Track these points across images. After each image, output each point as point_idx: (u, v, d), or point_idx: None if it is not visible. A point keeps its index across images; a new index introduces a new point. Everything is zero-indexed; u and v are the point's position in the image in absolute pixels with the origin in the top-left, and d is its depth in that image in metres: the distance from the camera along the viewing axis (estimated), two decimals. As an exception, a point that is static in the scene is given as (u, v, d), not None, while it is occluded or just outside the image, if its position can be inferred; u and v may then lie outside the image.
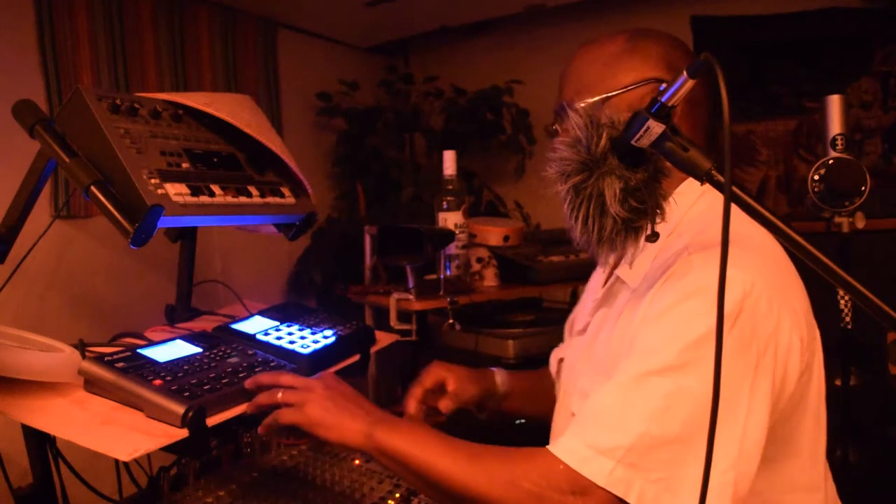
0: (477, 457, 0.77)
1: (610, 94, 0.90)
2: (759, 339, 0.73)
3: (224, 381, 0.96)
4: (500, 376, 1.16)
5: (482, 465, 0.75)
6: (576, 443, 0.72)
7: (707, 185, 0.92)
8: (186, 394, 0.89)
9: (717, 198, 0.92)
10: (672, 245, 0.84)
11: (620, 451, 0.69)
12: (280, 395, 0.89)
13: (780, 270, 0.81)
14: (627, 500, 0.69)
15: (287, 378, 0.92)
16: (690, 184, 0.89)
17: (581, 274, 1.54)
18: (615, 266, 1.00)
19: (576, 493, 0.70)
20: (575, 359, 0.99)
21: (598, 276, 1.08)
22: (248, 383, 0.94)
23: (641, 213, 0.73)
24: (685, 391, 0.70)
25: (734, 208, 0.90)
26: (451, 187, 1.83)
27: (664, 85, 0.67)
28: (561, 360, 1.09)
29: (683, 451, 0.69)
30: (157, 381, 0.90)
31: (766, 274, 0.77)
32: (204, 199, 1.05)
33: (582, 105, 0.92)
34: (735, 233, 0.82)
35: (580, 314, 1.06)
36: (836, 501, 0.88)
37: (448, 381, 1.10)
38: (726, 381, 0.69)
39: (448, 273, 1.84)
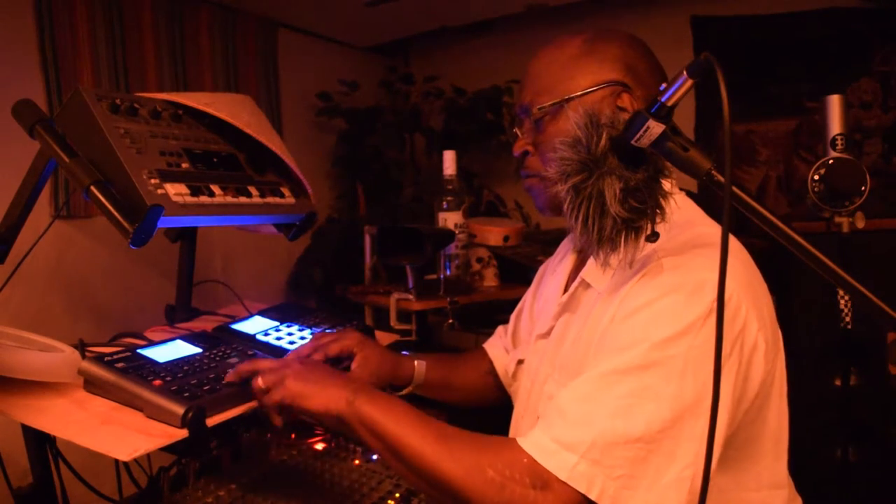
0: (447, 438, 0.77)
1: (567, 98, 0.91)
2: (726, 340, 0.74)
3: (224, 381, 0.96)
4: (418, 368, 1.15)
5: (451, 447, 0.76)
6: (542, 436, 0.73)
7: (673, 187, 0.92)
8: (186, 394, 0.89)
9: (684, 196, 0.93)
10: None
11: (583, 447, 0.70)
12: (259, 381, 0.90)
13: (749, 274, 0.82)
14: (589, 496, 0.69)
15: (264, 363, 0.94)
16: None
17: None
18: (576, 269, 1.00)
19: (537, 487, 0.71)
20: (539, 363, 0.99)
21: (555, 277, 1.07)
22: (228, 377, 0.95)
23: (641, 213, 0.73)
24: (650, 390, 0.71)
25: (696, 208, 0.92)
26: (451, 187, 1.84)
27: (664, 85, 0.67)
28: (520, 362, 1.09)
29: (646, 449, 0.70)
30: (157, 382, 0.90)
31: (736, 276, 0.78)
32: (204, 199, 1.05)
33: (538, 108, 0.93)
34: (708, 234, 0.83)
35: (541, 317, 1.05)
36: (797, 497, 0.89)
37: (354, 360, 1.07)
38: (693, 379, 0.71)
39: (448, 273, 1.84)
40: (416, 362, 1.16)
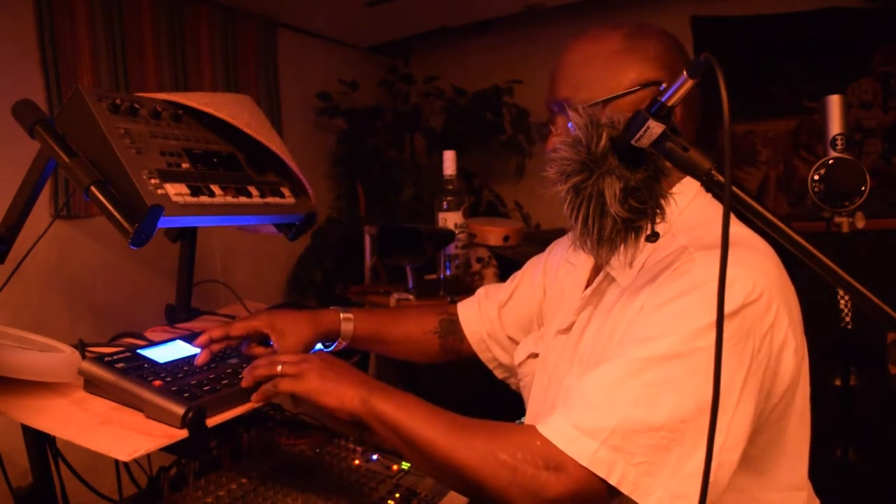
0: (460, 427, 0.79)
1: (612, 97, 0.90)
2: (755, 336, 0.75)
3: (224, 381, 0.96)
4: (344, 323, 1.13)
5: (464, 434, 0.77)
6: (562, 422, 0.74)
7: (699, 189, 0.93)
8: (186, 395, 0.89)
9: (712, 199, 0.93)
10: (668, 244, 0.84)
11: (604, 433, 0.71)
12: (280, 367, 0.91)
13: (781, 273, 0.82)
14: (609, 481, 0.70)
15: (283, 357, 0.94)
16: (686, 184, 0.91)
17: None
18: (599, 265, 1.00)
19: (550, 469, 0.71)
20: (558, 358, 0.99)
21: (576, 272, 1.06)
22: (245, 382, 0.94)
23: (641, 213, 0.73)
24: (675, 381, 0.72)
25: (721, 208, 0.92)
26: (451, 187, 1.83)
27: (664, 85, 0.67)
28: (532, 355, 1.08)
29: (668, 438, 0.70)
30: (157, 382, 0.90)
31: (768, 274, 0.78)
32: (204, 199, 1.05)
33: (584, 107, 0.92)
34: (737, 234, 0.84)
35: (559, 311, 1.05)
36: (815, 499, 0.90)
37: (273, 341, 1.05)
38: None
39: (448, 273, 1.84)
40: (340, 315, 1.14)
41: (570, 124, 0.95)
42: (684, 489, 0.70)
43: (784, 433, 0.82)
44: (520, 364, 1.11)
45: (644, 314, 0.79)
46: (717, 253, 0.78)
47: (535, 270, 1.20)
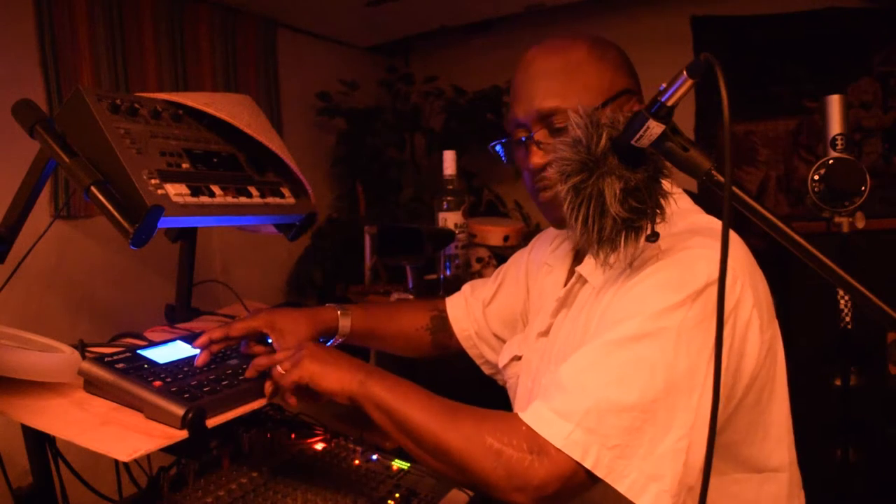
0: (450, 411, 0.80)
1: (603, 103, 0.90)
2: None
3: (224, 382, 0.96)
4: (342, 320, 1.16)
5: (453, 419, 0.79)
6: (541, 407, 0.75)
7: (671, 186, 0.93)
8: (186, 395, 0.89)
9: (681, 193, 0.94)
10: None
11: (578, 415, 0.71)
12: (278, 367, 0.93)
13: (746, 256, 0.84)
14: (584, 464, 0.70)
15: (281, 353, 0.96)
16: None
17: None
18: (572, 266, 1.02)
19: (533, 452, 0.72)
20: (539, 360, 1.00)
21: (553, 273, 1.08)
22: (249, 373, 0.98)
23: (641, 213, 0.74)
24: (644, 361, 0.73)
25: (692, 203, 0.93)
26: (451, 187, 1.84)
27: (664, 85, 0.67)
28: (516, 358, 1.10)
29: (641, 419, 0.71)
30: (157, 383, 0.90)
31: (735, 254, 0.79)
32: (204, 199, 1.05)
33: (584, 107, 0.92)
34: (702, 222, 0.86)
35: (539, 313, 1.06)
36: (799, 485, 0.90)
37: (273, 340, 1.06)
38: (686, 351, 0.72)
39: (448, 273, 1.84)
40: (338, 313, 1.16)
41: (557, 127, 0.96)
42: (658, 469, 0.70)
43: (764, 416, 0.83)
44: (504, 366, 1.13)
45: (615, 299, 0.81)
46: (682, 238, 0.80)
47: (518, 268, 1.22)
